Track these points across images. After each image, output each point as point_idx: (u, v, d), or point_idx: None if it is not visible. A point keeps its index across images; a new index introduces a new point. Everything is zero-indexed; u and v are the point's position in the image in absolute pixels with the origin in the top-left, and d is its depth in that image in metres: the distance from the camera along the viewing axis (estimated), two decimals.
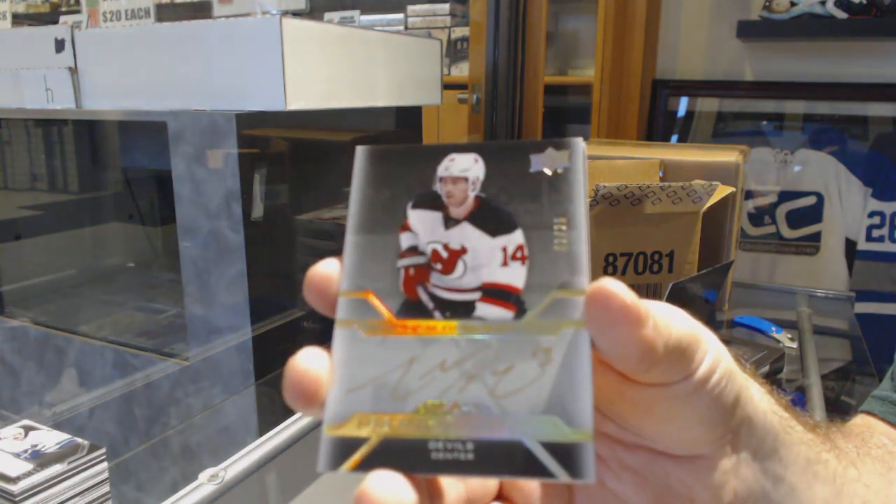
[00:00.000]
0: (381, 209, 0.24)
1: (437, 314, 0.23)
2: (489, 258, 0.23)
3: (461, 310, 0.23)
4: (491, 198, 0.24)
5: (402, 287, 0.23)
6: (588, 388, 0.21)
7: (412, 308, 0.23)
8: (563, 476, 0.20)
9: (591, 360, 0.21)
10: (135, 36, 0.98)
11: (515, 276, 0.23)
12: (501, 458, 0.21)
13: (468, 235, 0.24)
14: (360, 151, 0.25)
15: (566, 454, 0.20)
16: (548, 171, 0.24)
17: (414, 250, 0.24)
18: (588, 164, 0.26)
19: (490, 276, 0.23)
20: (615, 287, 0.21)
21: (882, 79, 1.59)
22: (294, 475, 0.75)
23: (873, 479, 0.32)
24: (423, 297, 0.23)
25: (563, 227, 0.23)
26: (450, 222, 0.24)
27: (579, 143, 0.24)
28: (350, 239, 0.24)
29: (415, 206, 0.24)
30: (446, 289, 0.23)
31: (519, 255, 0.23)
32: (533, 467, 0.20)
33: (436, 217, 0.24)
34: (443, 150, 0.25)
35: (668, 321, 0.23)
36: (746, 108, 1.75)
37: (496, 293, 0.23)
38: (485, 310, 0.23)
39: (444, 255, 0.23)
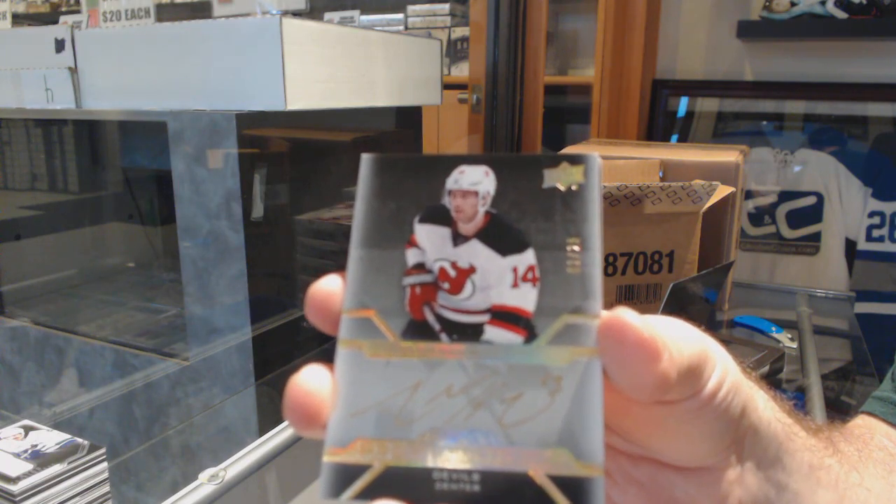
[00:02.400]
0: (387, 223, 0.23)
1: (443, 336, 0.22)
2: (499, 279, 0.22)
3: (469, 332, 0.22)
4: (502, 214, 0.23)
5: (408, 306, 0.22)
6: (599, 421, 0.20)
7: (418, 329, 0.22)
8: None
9: (602, 390, 0.21)
10: (135, 36, 0.98)
11: (526, 298, 0.22)
12: (508, 490, 0.20)
13: (477, 254, 0.23)
14: (366, 160, 0.24)
15: (575, 489, 0.20)
16: (561, 188, 0.23)
17: (420, 268, 0.23)
18: None
19: (499, 297, 0.22)
20: (631, 318, 0.21)
21: (882, 79, 1.59)
22: (294, 475, 0.75)
23: (875, 482, 0.32)
24: (430, 317, 0.22)
25: (577, 248, 0.22)
26: (458, 239, 0.23)
27: (595, 160, 0.23)
28: (354, 254, 0.23)
29: (422, 221, 0.23)
30: (454, 310, 0.22)
31: (530, 276, 0.22)
32: (540, 501, 0.20)
33: (444, 233, 0.23)
34: (452, 162, 0.24)
35: (680, 345, 0.22)
36: (746, 108, 1.75)
37: (506, 316, 0.22)
38: (493, 333, 0.22)
39: (452, 273, 0.23)
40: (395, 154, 0.24)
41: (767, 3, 1.54)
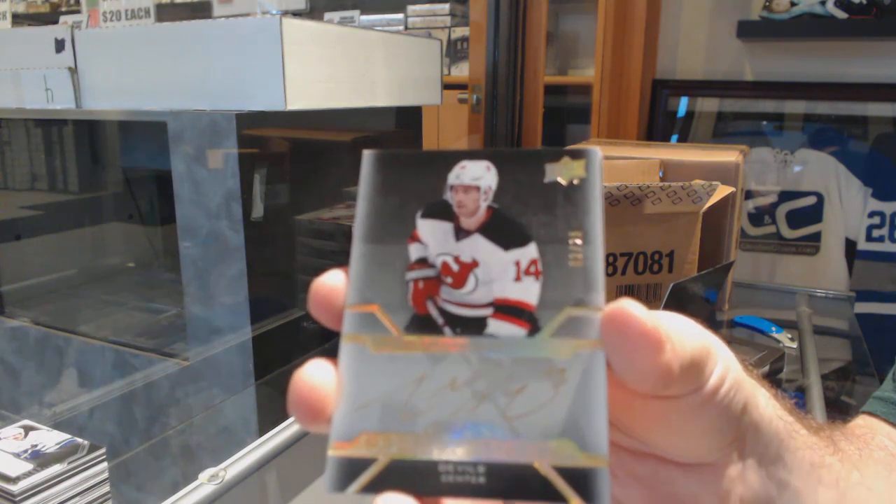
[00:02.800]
0: (390, 218, 0.23)
1: (447, 330, 0.22)
2: (501, 272, 0.22)
3: (472, 326, 0.22)
4: (504, 209, 0.23)
5: (411, 301, 0.23)
6: (603, 412, 0.20)
7: (421, 323, 0.22)
8: (576, 502, 0.20)
9: (605, 381, 0.21)
10: (135, 36, 0.98)
11: (529, 291, 0.22)
12: (513, 481, 0.20)
13: (480, 248, 0.23)
14: (368, 156, 0.24)
15: (580, 479, 0.20)
16: (563, 182, 0.23)
17: (423, 262, 0.23)
18: None
19: (502, 291, 0.22)
20: (633, 309, 0.21)
21: (882, 79, 1.59)
22: (294, 475, 0.75)
23: (876, 482, 0.32)
24: (433, 312, 0.22)
25: (578, 242, 0.22)
26: (461, 234, 0.23)
27: (597, 154, 0.23)
28: (357, 249, 0.23)
29: (424, 216, 0.23)
30: (457, 304, 0.22)
31: (532, 269, 0.22)
32: (545, 492, 0.20)
33: (446, 228, 0.23)
34: (453, 157, 0.24)
35: (682, 338, 0.22)
36: (746, 108, 1.75)
37: (509, 310, 0.22)
38: (497, 327, 0.22)
39: (455, 268, 0.23)
40: (396, 150, 0.24)
41: (767, 3, 1.54)
